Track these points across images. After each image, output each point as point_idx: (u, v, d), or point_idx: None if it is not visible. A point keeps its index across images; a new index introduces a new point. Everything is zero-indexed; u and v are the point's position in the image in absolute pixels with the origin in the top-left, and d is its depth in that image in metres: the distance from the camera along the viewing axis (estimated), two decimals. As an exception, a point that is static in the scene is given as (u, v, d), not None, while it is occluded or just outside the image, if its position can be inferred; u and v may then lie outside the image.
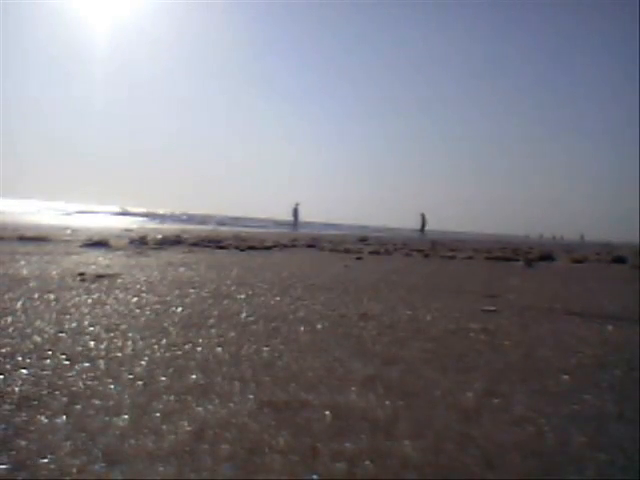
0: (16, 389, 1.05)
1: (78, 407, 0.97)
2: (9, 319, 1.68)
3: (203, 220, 24.02)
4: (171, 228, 12.78)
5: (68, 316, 1.77)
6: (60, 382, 1.11)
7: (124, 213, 28.31)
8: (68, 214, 21.77)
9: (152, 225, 15.15)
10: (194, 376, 1.19)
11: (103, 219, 18.29)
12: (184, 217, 27.75)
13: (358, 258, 5.62)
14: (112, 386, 1.10)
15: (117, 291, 2.38)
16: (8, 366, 1.20)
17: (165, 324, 1.72)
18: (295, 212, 23.92)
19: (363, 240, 11.49)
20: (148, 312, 1.91)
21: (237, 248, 6.17)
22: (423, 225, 24.57)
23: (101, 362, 1.26)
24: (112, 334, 1.55)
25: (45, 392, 1.05)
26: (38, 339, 1.45)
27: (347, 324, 1.87)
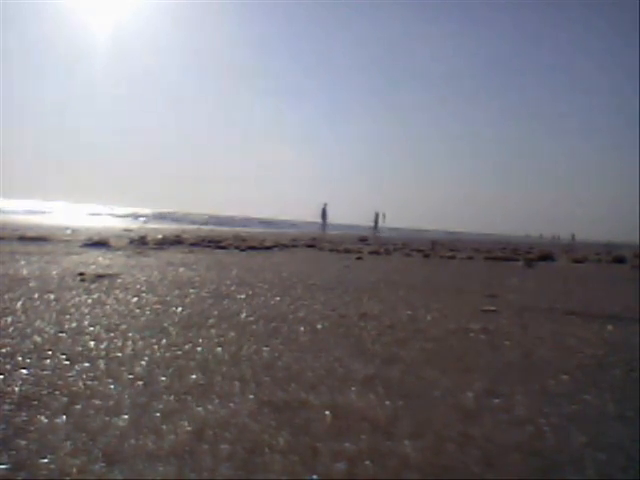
0: (16, 389, 1.05)
1: (78, 407, 0.97)
2: (9, 319, 1.67)
3: (229, 222, 23.74)
4: (171, 228, 12.78)
5: (68, 316, 1.76)
6: (60, 382, 1.11)
7: (162, 216, 27.32)
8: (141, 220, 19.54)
9: (154, 225, 15.14)
10: (194, 376, 1.19)
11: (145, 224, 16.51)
12: (220, 220, 27.07)
13: (358, 258, 5.62)
14: (112, 386, 1.10)
15: (117, 291, 2.37)
16: (8, 366, 1.20)
17: (165, 324, 1.72)
18: (324, 212, 24.01)
19: (363, 240, 11.49)
20: (148, 312, 1.91)
21: (237, 248, 6.17)
22: (376, 222, 26.28)
23: (101, 362, 1.26)
24: (112, 334, 1.55)
25: (45, 392, 1.05)
26: (38, 339, 1.45)
27: (347, 324, 1.87)
